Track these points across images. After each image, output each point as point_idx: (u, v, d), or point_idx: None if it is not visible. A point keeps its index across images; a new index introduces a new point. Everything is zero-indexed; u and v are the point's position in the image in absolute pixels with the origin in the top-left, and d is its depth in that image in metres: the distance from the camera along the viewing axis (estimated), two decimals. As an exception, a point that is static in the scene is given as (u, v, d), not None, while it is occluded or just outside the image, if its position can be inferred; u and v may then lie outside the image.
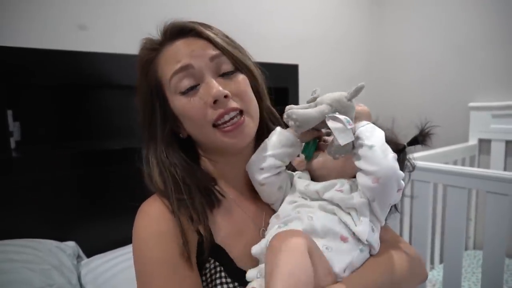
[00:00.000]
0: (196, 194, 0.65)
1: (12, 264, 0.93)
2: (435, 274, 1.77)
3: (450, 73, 2.15)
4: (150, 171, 0.68)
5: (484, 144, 2.05)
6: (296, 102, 1.72)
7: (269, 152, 0.65)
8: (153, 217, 0.64)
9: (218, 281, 0.61)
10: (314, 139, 0.67)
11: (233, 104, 0.64)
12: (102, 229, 1.25)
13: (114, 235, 1.21)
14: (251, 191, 0.72)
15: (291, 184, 0.69)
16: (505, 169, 1.95)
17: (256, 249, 0.61)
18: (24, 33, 1.18)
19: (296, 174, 0.69)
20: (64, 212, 1.18)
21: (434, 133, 0.69)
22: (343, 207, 0.60)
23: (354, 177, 0.62)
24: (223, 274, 0.62)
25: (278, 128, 0.68)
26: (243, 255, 0.64)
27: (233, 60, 0.67)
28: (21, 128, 1.17)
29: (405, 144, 0.69)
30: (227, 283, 0.61)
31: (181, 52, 0.65)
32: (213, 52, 0.65)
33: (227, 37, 0.70)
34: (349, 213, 0.60)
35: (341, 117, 0.59)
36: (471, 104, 2.03)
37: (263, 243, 0.61)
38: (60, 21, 1.25)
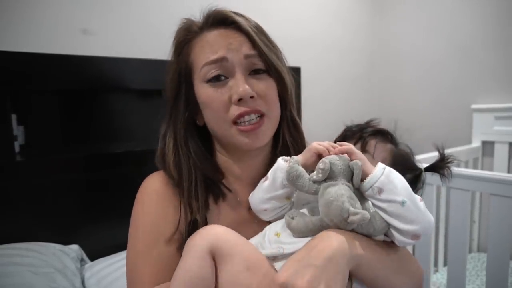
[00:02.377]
0: (201, 184, 0.67)
1: (16, 267, 0.93)
2: (439, 277, 1.76)
3: (452, 74, 2.15)
4: (164, 149, 0.70)
5: (488, 146, 2.04)
6: (298, 106, 1.72)
7: (270, 194, 0.61)
8: (157, 187, 0.67)
9: None
10: None
11: (257, 106, 0.64)
12: (106, 233, 1.25)
13: (117, 238, 1.21)
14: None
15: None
16: (508, 171, 1.94)
17: (253, 242, 0.62)
18: (28, 38, 1.19)
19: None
20: (68, 216, 1.19)
21: (454, 165, 0.65)
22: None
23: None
24: None
25: (280, 161, 0.61)
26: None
27: (266, 62, 0.67)
28: (25, 132, 1.18)
29: (422, 169, 0.66)
30: None
31: (218, 43, 0.65)
32: (249, 51, 0.65)
33: (266, 36, 0.69)
34: None
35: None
36: (474, 106, 2.03)
37: (261, 235, 0.62)
38: (64, 26, 1.26)
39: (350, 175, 0.56)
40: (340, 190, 0.53)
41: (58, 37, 1.24)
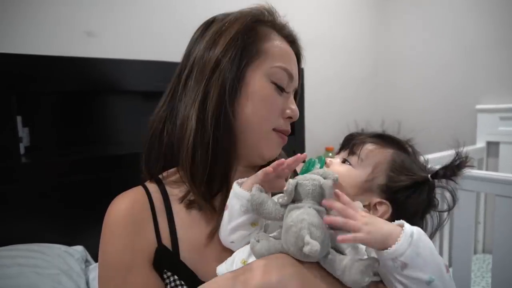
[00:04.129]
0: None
1: (21, 268, 0.94)
2: (444, 279, 1.75)
3: (457, 75, 2.14)
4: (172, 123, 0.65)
5: (492, 147, 2.03)
6: (301, 107, 1.72)
7: (233, 224, 0.56)
8: (122, 212, 0.62)
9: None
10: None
11: (289, 128, 0.69)
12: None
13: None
14: None
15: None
16: (514, 172, 1.93)
17: (221, 269, 0.56)
18: (32, 40, 1.20)
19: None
20: (73, 217, 1.19)
21: (467, 167, 0.56)
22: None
23: None
24: None
25: (235, 186, 0.56)
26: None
27: (297, 96, 0.73)
28: (30, 134, 1.18)
29: (429, 176, 0.57)
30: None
31: (293, 60, 0.69)
32: (297, 83, 0.71)
33: None
34: None
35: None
36: (479, 106, 2.02)
37: (228, 262, 0.56)
38: (68, 28, 1.27)
39: (321, 197, 0.49)
40: (302, 215, 0.47)
41: (62, 39, 1.25)
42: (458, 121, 2.13)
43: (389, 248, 0.43)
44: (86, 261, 1.17)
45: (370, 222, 0.46)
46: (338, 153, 0.66)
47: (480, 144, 2.02)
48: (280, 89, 0.65)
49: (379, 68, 2.49)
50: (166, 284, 0.59)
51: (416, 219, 0.59)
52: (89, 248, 1.20)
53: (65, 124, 1.27)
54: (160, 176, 0.70)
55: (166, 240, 0.62)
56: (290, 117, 0.67)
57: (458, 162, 0.56)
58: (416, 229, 0.45)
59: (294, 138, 1.59)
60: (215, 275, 0.55)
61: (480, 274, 1.77)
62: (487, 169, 2.04)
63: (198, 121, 0.61)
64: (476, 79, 2.06)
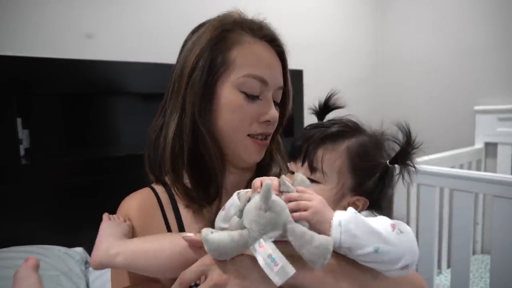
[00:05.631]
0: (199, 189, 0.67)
1: (21, 270, 0.94)
2: (443, 279, 1.76)
3: (455, 76, 2.15)
4: (162, 139, 0.67)
5: (491, 148, 2.04)
6: (300, 110, 1.73)
7: (223, 226, 0.57)
8: (134, 211, 0.66)
9: None
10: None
11: (271, 130, 0.68)
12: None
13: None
14: None
15: None
16: (512, 173, 1.93)
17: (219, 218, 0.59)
18: (32, 42, 1.20)
19: None
20: (72, 218, 1.20)
21: (419, 149, 0.56)
22: None
23: None
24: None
25: (234, 197, 0.57)
26: None
27: (286, 93, 0.72)
28: (30, 136, 1.19)
29: (387, 163, 0.57)
30: None
31: (266, 63, 0.66)
32: (281, 83, 0.69)
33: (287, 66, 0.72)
34: None
35: (262, 254, 0.45)
36: (477, 107, 2.03)
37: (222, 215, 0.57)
38: (67, 30, 1.27)
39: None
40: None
41: (61, 41, 1.26)
42: (456, 122, 2.14)
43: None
44: (86, 262, 1.17)
45: (320, 207, 0.50)
46: (290, 162, 0.63)
47: (479, 145, 2.03)
48: (252, 97, 0.64)
49: (379, 69, 2.50)
50: None
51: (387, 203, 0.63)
52: (89, 249, 1.20)
53: (65, 126, 1.27)
54: (165, 178, 0.72)
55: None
56: (268, 121, 0.66)
57: (409, 145, 0.56)
58: (344, 216, 0.50)
59: (294, 138, 1.59)
60: None
61: (478, 275, 1.78)
62: (485, 170, 2.05)
63: (174, 137, 0.65)
64: (475, 80, 2.07)
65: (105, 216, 0.67)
